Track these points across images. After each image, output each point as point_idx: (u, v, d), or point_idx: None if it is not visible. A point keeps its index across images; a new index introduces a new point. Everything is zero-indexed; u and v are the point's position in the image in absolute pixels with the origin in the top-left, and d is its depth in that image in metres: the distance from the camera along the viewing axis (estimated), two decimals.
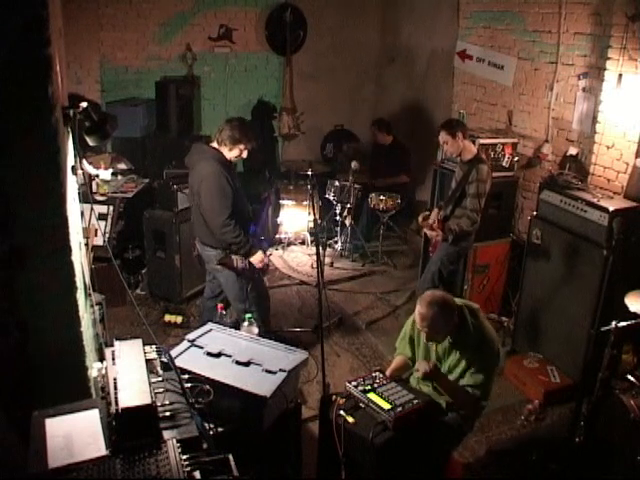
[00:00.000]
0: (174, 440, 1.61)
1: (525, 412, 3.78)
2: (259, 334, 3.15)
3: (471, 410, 2.90)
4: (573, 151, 4.56)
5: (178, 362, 2.22)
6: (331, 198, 6.00)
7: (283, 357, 2.66)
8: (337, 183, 5.94)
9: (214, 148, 3.70)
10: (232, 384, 2.40)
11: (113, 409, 1.62)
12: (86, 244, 2.93)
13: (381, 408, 2.61)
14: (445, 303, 2.75)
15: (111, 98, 6.19)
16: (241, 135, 3.64)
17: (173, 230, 4.80)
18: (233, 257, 3.75)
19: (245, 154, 3.74)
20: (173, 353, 2.35)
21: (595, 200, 3.80)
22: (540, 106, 4.98)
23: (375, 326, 4.87)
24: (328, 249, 5.98)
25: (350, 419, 2.63)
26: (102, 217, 4.84)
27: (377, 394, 2.71)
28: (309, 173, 5.56)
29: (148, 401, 1.63)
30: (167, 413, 1.74)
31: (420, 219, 4.35)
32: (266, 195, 6.15)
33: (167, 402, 1.79)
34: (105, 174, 5.10)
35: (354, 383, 2.79)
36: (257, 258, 3.76)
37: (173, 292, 4.98)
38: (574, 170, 4.42)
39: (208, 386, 2.02)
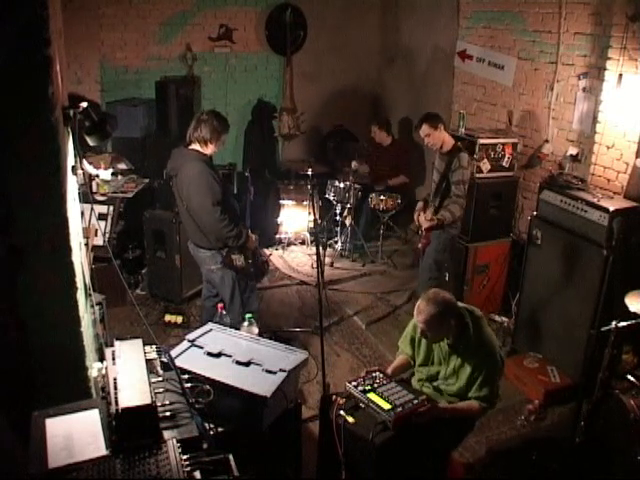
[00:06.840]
0: (174, 440, 1.61)
1: (525, 412, 3.78)
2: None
3: (477, 417, 2.96)
4: (573, 151, 4.55)
5: (178, 362, 2.22)
6: (331, 198, 5.99)
7: (283, 357, 2.66)
8: (337, 183, 5.94)
9: (194, 150, 3.69)
10: (232, 384, 2.40)
11: (113, 409, 1.62)
12: (86, 244, 2.93)
13: (381, 408, 2.61)
14: (446, 305, 2.75)
15: (111, 98, 6.19)
16: (220, 124, 3.65)
17: (173, 230, 4.80)
18: (232, 256, 3.77)
19: (223, 144, 3.77)
20: (173, 353, 2.35)
21: (595, 200, 3.80)
22: (540, 106, 4.98)
23: (375, 326, 4.86)
24: (328, 249, 5.98)
25: (350, 419, 2.63)
26: (102, 217, 4.84)
27: (377, 394, 2.71)
28: (309, 173, 5.57)
29: (148, 401, 1.64)
30: (167, 413, 1.74)
31: (416, 216, 4.41)
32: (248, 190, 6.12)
33: (167, 402, 1.79)
34: (105, 174, 5.10)
35: (354, 383, 2.79)
36: (252, 240, 3.87)
37: (173, 292, 4.98)
38: (574, 170, 4.43)
39: (208, 386, 2.02)
